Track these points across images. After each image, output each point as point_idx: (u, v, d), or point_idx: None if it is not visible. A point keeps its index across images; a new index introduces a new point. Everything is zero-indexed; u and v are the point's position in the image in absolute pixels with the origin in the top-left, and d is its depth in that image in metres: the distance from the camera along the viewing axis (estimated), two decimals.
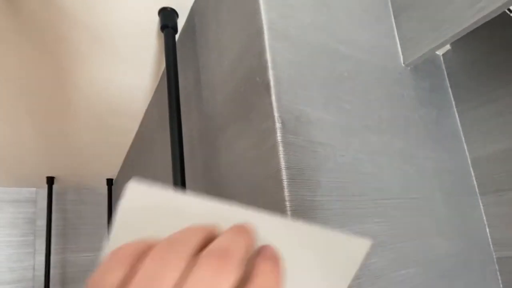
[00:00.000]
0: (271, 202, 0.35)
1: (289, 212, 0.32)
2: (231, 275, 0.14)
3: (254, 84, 0.38)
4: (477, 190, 0.61)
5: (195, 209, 0.19)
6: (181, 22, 0.60)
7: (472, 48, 0.62)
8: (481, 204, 0.60)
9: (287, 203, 0.33)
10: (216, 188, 0.51)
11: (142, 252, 0.15)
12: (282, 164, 0.34)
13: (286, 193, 0.33)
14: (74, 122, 0.95)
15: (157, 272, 0.14)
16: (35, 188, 1.59)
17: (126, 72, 0.72)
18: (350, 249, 0.22)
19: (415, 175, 0.50)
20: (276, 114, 0.35)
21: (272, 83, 0.36)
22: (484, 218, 0.60)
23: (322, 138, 0.39)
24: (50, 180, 1.46)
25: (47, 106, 0.85)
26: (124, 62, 0.69)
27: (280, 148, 0.34)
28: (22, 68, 0.69)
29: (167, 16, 0.55)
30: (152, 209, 0.19)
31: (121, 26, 0.59)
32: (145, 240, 0.16)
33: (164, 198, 0.19)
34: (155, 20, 0.58)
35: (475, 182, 0.61)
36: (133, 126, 1.02)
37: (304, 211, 0.34)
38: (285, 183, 0.33)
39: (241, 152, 0.43)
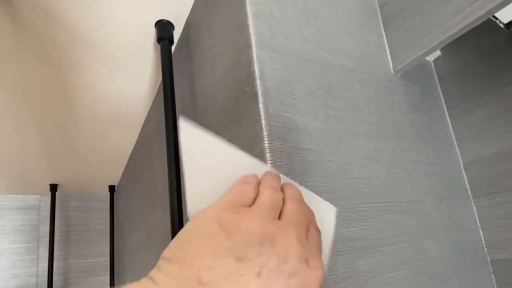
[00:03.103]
0: None
1: None
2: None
3: (243, 93, 0.40)
4: (469, 193, 0.62)
5: (233, 154, 0.25)
6: (177, 34, 0.62)
7: (462, 54, 0.64)
8: (474, 206, 0.61)
9: None
10: None
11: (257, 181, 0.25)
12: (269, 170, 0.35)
13: None
14: (76, 131, 0.98)
15: (274, 193, 0.23)
16: (39, 195, 1.61)
17: (125, 82, 0.75)
18: (324, 209, 0.29)
19: (405, 179, 0.51)
20: (263, 122, 0.37)
21: (259, 93, 0.38)
22: (477, 220, 0.60)
23: (310, 145, 0.40)
24: (54, 188, 1.48)
25: (50, 115, 0.87)
26: (123, 72, 0.71)
27: (267, 155, 0.36)
28: (26, 79, 0.71)
29: (163, 28, 0.57)
30: (204, 148, 0.24)
31: (119, 38, 0.61)
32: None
33: (210, 140, 0.25)
34: (152, 32, 0.60)
35: (467, 185, 0.62)
36: (134, 133, 1.04)
37: None
38: None
39: None
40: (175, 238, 0.21)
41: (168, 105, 0.55)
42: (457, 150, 0.63)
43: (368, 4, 0.57)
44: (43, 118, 0.89)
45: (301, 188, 0.27)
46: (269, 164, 0.29)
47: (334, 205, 0.41)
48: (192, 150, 0.24)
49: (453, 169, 0.61)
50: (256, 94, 0.38)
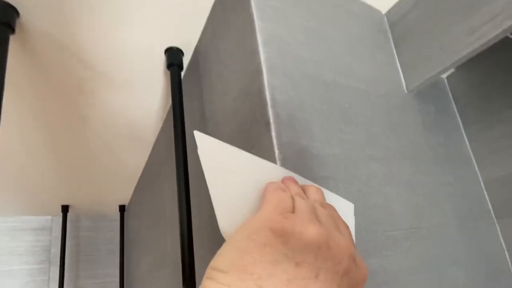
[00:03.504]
0: None
1: None
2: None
3: (255, 121, 0.39)
4: (492, 214, 0.59)
5: (251, 160, 0.26)
6: (186, 59, 0.63)
7: (476, 70, 0.62)
8: (498, 228, 0.58)
9: None
10: None
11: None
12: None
13: None
14: (88, 153, 0.98)
15: (307, 200, 0.25)
16: (50, 216, 1.62)
17: (136, 105, 0.75)
18: (342, 207, 0.29)
19: (426, 202, 0.49)
20: (276, 151, 0.36)
21: (271, 120, 0.37)
22: (503, 242, 0.57)
23: (325, 172, 0.39)
24: (65, 209, 1.49)
25: (63, 138, 0.89)
26: (134, 97, 0.72)
27: None
28: (40, 104, 0.72)
29: (173, 55, 0.58)
30: (223, 158, 0.25)
31: (131, 65, 0.62)
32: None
33: (226, 149, 0.25)
34: (162, 58, 0.61)
35: (490, 206, 0.59)
36: (144, 154, 1.05)
37: None
38: None
39: None
40: (223, 250, 0.21)
41: (178, 130, 0.55)
42: (477, 169, 0.61)
43: (378, 25, 0.56)
44: (56, 141, 0.90)
45: (319, 187, 0.28)
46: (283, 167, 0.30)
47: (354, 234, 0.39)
48: (211, 161, 0.24)
49: (473, 189, 0.58)
50: (268, 122, 0.37)
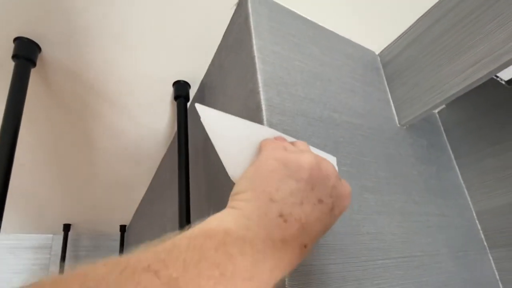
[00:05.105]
0: None
1: (286, 282, 0.34)
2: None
3: None
4: (485, 244, 0.60)
5: (247, 124, 0.31)
6: (193, 91, 0.67)
7: (467, 106, 0.65)
8: (491, 258, 0.59)
9: None
10: None
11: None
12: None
13: None
14: (93, 175, 1.01)
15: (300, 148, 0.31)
16: (51, 235, 1.63)
17: (142, 133, 0.79)
18: (328, 158, 0.33)
19: (417, 232, 0.51)
20: None
21: None
22: (496, 273, 0.58)
23: None
24: (67, 228, 1.50)
25: (69, 160, 0.92)
26: (141, 124, 0.76)
27: None
28: (51, 127, 0.76)
29: (180, 88, 0.62)
30: (223, 123, 0.30)
31: (140, 96, 0.66)
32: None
33: (225, 116, 0.30)
34: (170, 90, 0.65)
35: (482, 236, 0.61)
36: (147, 178, 1.08)
37: (298, 277, 0.35)
38: None
39: None
40: (238, 182, 0.27)
41: (182, 158, 0.58)
42: (469, 200, 0.63)
43: (371, 64, 0.61)
44: (62, 162, 0.93)
45: (305, 142, 0.33)
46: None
47: (345, 262, 0.41)
48: (213, 125, 0.29)
49: (466, 219, 0.60)
50: None
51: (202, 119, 0.29)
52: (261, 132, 0.32)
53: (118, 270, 0.16)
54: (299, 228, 0.24)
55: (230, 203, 0.26)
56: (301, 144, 0.32)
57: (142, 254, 0.18)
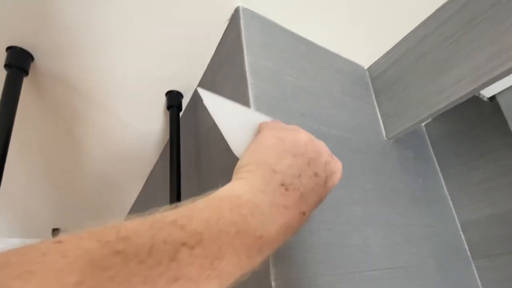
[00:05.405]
0: (255, 279, 0.38)
1: None
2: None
3: None
4: (469, 255, 0.61)
5: (245, 109, 0.35)
6: (186, 100, 0.67)
7: (452, 120, 0.67)
8: (474, 269, 0.60)
9: (272, 283, 0.35)
10: None
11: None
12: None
13: (272, 273, 0.36)
14: (83, 181, 1.01)
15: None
16: (39, 240, 1.60)
17: (135, 140, 0.79)
18: None
19: (403, 243, 0.52)
20: None
21: None
22: (479, 283, 0.60)
23: None
24: (55, 232, 1.48)
25: (59, 167, 0.91)
26: (134, 132, 0.76)
27: None
28: (42, 135, 0.75)
29: (173, 98, 0.63)
30: (225, 106, 0.33)
31: (135, 105, 0.66)
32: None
33: (226, 101, 0.33)
34: (163, 100, 0.66)
35: (466, 247, 0.62)
36: (138, 184, 1.07)
37: None
38: (270, 262, 0.36)
39: None
40: (242, 157, 0.30)
41: (174, 167, 0.59)
42: (453, 211, 0.64)
43: (360, 79, 0.62)
44: (52, 169, 0.92)
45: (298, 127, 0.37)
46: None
47: (333, 274, 0.42)
48: (216, 107, 0.32)
49: (450, 230, 0.61)
50: None
51: (204, 102, 0.32)
52: (259, 116, 0.35)
53: (147, 223, 0.19)
54: (299, 197, 0.26)
55: (235, 175, 0.28)
56: (296, 126, 0.35)
57: (165, 213, 0.20)
